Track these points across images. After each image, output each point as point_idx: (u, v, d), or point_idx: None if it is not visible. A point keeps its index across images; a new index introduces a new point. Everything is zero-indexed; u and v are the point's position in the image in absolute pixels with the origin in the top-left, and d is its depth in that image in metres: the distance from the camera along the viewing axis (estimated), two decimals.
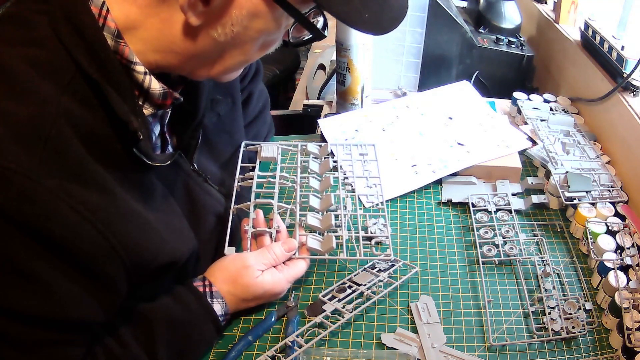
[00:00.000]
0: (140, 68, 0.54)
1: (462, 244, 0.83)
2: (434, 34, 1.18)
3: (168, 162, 0.61)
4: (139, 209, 0.56)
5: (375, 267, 0.76)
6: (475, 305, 0.73)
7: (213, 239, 0.75)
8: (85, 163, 0.50)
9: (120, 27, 0.51)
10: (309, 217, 0.75)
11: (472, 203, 0.88)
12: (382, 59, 1.20)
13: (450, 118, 1.06)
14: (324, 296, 0.72)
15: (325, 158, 0.89)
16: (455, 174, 0.94)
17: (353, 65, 1.02)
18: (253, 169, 0.83)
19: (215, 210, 0.76)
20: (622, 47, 0.94)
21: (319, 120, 1.07)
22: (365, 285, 0.73)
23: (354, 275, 0.75)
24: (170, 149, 0.69)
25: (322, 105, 1.20)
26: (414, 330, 0.69)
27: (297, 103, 1.37)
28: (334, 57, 1.11)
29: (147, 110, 0.57)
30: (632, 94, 0.93)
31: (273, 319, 0.70)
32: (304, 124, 1.24)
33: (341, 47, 1.01)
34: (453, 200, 0.89)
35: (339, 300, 0.71)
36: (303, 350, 0.64)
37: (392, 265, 0.76)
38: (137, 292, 0.59)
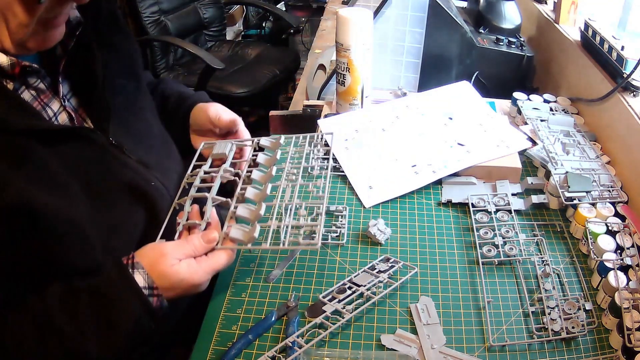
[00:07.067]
0: None
1: (462, 244, 0.83)
2: (434, 34, 1.18)
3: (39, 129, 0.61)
4: None
5: (375, 268, 0.76)
6: (475, 306, 0.73)
7: (134, 211, 0.73)
8: None
9: None
10: (240, 208, 0.74)
11: (472, 203, 0.88)
12: (382, 59, 1.20)
13: (450, 118, 1.06)
14: (324, 297, 0.72)
15: (275, 151, 0.86)
16: (455, 174, 0.94)
17: (353, 65, 1.02)
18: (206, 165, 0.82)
19: (134, 182, 0.73)
20: (622, 47, 0.94)
21: (319, 121, 1.07)
22: (365, 286, 0.73)
23: (354, 276, 0.75)
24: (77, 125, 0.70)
25: (322, 105, 1.20)
26: (414, 331, 0.69)
27: (297, 103, 1.37)
28: (334, 57, 1.11)
29: (10, 85, 0.60)
30: (632, 94, 0.93)
31: (273, 319, 0.70)
32: (304, 124, 1.23)
33: (341, 47, 1.01)
34: (453, 201, 0.89)
35: (339, 301, 0.71)
36: (303, 350, 0.64)
37: (392, 266, 0.76)
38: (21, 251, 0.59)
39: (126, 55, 0.80)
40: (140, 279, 0.63)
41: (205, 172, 0.80)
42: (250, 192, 0.77)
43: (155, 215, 0.74)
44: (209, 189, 0.76)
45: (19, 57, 0.60)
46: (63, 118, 0.68)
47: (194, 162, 0.83)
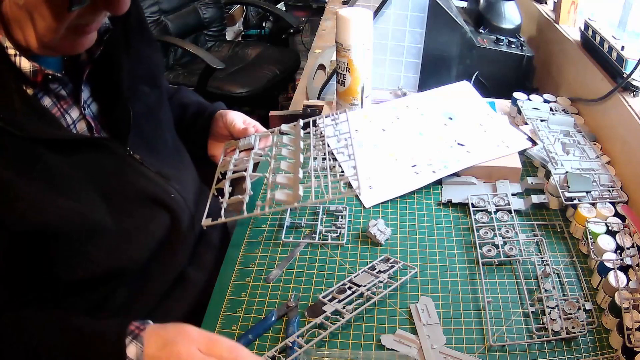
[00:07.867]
0: (11, 51, 0.56)
1: (461, 244, 0.83)
2: (434, 34, 1.18)
3: (63, 138, 0.61)
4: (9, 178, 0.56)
5: (375, 268, 0.76)
6: (475, 306, 0.73)
7: (152, 219, 0.73)
8: None
9: None
10: (278, 177, 0.77)
11: (472, 203, 0.88)
12: (382, 59, 1.20)
13: (450, 118, 1.06)
14: (324, 297, 0.72)
15: (298, 133, 0.90)
16: (455, 175, 0.94)
17: (353, 65, 1.02)
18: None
19: (153, 193, 0.73)
20: (622, 47, 0.94)
21: None
22: (365, 286, 0.73)
23: (354, 277, 0.75)
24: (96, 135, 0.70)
25: (322, 105, 1.20)
26: (414, 331, 0.69)
27: (297, 103, 1.37)
28: (334, 57, 1.11)
29: (30, 90, 0.60)
30: (632, 94, 0.93)
31: (273, 319, 0.70)
32: None
33: (341, 47, 1.01)
34: (453, 201, 0.89)
35: (339, 301, 0.71)
36: (303, 350, 0.64)
37: (392, 266, 0.76)
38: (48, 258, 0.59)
39: (150, 64, 0.79)
40: (132, 351, 0.58)
41: (236, 159, 0.84)
42: (284, 164, 0.81)
43: (175, 225, 0.74)
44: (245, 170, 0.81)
45: (41, 62, 0.59)
46: (82, 126, 0.67)
47: (222, 157, 0.88)
